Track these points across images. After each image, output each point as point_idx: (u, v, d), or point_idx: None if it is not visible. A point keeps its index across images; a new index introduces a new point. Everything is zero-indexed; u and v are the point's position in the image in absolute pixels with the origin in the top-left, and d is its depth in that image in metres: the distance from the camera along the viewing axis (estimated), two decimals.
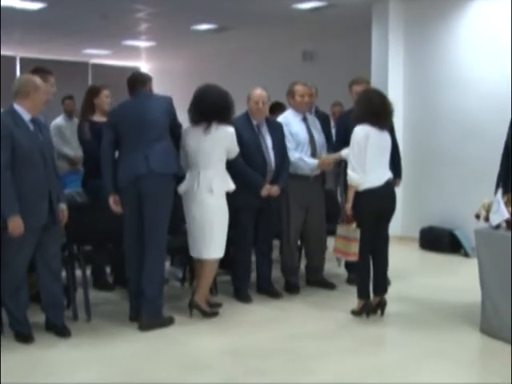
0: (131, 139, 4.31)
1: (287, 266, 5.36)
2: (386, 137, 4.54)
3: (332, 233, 5.62)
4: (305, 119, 5.30)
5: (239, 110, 5.03)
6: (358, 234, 4.42)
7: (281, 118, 5.31)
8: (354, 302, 4.77)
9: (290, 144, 5.14)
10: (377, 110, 4.43)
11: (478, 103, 6.90)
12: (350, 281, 5.55)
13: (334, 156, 5.06)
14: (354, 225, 4.45)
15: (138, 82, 4.47)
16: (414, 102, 7.49)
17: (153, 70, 12.27)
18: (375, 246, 4.57)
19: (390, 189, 4.56)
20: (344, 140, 5.26)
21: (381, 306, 4.60)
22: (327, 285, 5.43)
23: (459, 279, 5.86)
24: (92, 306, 4.58)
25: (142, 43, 11.26)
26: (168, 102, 4.44)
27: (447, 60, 7.21)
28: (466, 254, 6.81)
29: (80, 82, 11.93)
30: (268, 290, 5.17)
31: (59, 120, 6.95)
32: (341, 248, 4.57)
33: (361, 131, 4.45)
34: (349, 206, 4.47)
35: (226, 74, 10.12)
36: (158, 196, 4.27)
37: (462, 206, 7.00)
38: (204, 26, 9.56)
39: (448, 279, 5.87)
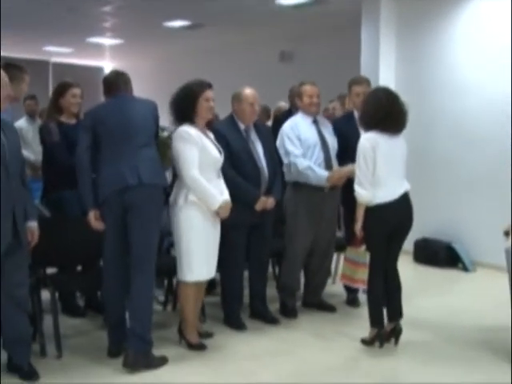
0: (114, 145, 3.68)
1: (286, 286, 4.77)
2: (398, 143, 3.98)
3: (336, 248, 5.14)
4: (315, 121, 4.73)
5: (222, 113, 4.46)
6: (367, 258, 3.88)
7: (289, 122, 4.74)
8: (360, 326, 4.28)
9: (297, 150, 4.55)
10: (387, 113, 3.87)
11: (474, 108, 6.47)
12: (350, 302, 5.03)
13: (348, 169, 4.43)
14: (363, 247, 3.91)
15: (119, 81, 3.86)
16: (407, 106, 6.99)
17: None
18: (388, 268, 4.04)
19: (406, 203, 4.00)
20: (342, 150, 4.76)
21: (396, 333, 4.08)
22: (327, 307, 4.87)
23: (465, 298, 5.38)
24: (62, 338, 3.92)
25: (108, 40, 10.57)
26: (154, 107, 3.87)
27: (442, 62, 6.76)
28: (465, 269, 6.35)
29: (40, 82, 11.19)
30: (263, 315, 4.58)
31: (21, 122, 6.32)
32: (348, 273, 4.06)
33: (367, 142, 3.88)
34: (358, 226, 3.92)
35: (198, 75, 9.43)
36: (148, 211, 3.65)
37: (459, 217, 6.58)
38: (177, 23, 8.97)
39: (452, 299, 5.38)
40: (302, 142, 4.60)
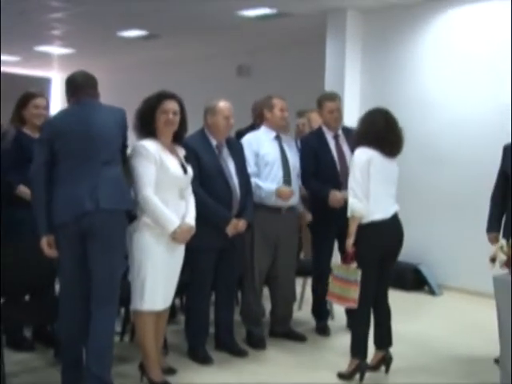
0: (73, 162, 3.28)
1: (250, 313, 4.45)
2: (392, 165, 3.81)
3: (305, 273, 4.87)
4: (278, 137, 4.47)
5: None
6: (358, 276, 3.63)
7: (249, 136, 4.47)
8: (334, 358, 4.05)
9: (249, 168, 4.28)
10: (382, 137, 3.70)
11: (441, 126, 6.32)
12: (320, 330, 4.75)
13: (291, 190, 4.32)
14: (354, 265, 3.67)
15: (87, 84, 3.43)
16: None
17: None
18: (378, 292, 3.79)
19: (398, 224, 3.83)
20: (313, 170, 4.52)
21: (386, 361, 3.84)
22: (296, 337, 4.57)
23: (436, 324, 5.15)
24: (7, 376, 3.49)
25: (57, 49, 10.07)
26: (122, 116, 3.45)
27: (409, 78, 6.60)
28: (432, 292, 6.16)
29: None
30: (230, 347, 4.23)
31: None
32: (337, 292, 3.75)
33: (363, 155, 3.69)
34: (350, 241, 3.68)
35: (153, 87, 9.13)
36: (109, 238, 3.27)
37: (426, 239, 6.39)
38: (132, 33, 8.56)
39: (424, 324, 5.14)
40: (260, 157, 4.33)
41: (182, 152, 3.71)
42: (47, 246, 3.31)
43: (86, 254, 3.27)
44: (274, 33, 8.03)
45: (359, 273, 3.64)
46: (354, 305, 3.69)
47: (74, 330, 3.34)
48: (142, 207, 3.48)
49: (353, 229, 3.67)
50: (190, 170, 3.68)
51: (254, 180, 4.28)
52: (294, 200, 4.41)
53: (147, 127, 3.57)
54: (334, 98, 4.75)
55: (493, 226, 4.19)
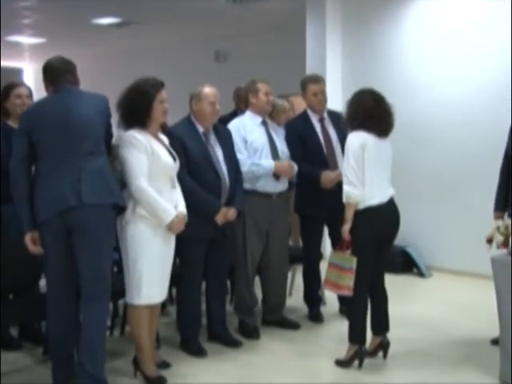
0: (55, 153, 3.13)
1: (243, 303, 4.36)
2: (385, 146, 3.72)
3: (294, 260, 4.78)
4: (264, 123, 4.37)
5: None
6: (354, 263, 3.56)
7: (236, 122, 4.35)
8: (329, 345, 4.01)
9: (240, 155, 4.18)
10: (371, 115, 3.61)
11: (425, 108, 6.26)
12: (313, 317, 4.68)
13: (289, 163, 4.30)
14: (348, 252, 3.60)
15: (63, 71, 3.26)
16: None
17: (40, 73, 10.82)
18: (375, 277, 3.74)
19: (394, 207, 3.75)
20: (302, 153, 4.44)
21: (383, 347, 3.80)
22: (290, 325, 4.49)
23: (427, 307, 5.10)
24: None
25: (28, 39, 9.81)
26: (105, 103, 3.30)
27: (391, 60, 6.52)
28: (421, 274, 6.14)
29: None
30: (223, 338, 4.14)
31: None
32: (332, 279, 3.68)
33: (356, 140, 3.60)
34: (347, 228, 3.60)
35: (129, 76, 8.89)
36: (96, 233, 3.13)
37: (413, 221, 6.31)
38: (105, 20, 8.37)
39: (417, 307, 5.09)
40: (249, 144, 4.23)
41: (166, 140, 3.61)
42: (31, 242, 3.17)
43: (72, 251, 3.14)
44: (252, 17, 7.91)
45: (354, 260, 3.57)
46: (348, 292, 3.62)
47: (63, 328, 3.21)
48: (136, 199, 3.36)
49: (349, 215, 3.59)
50: (177, 157, 3.58)
51: (249, 161, 4.17)
52: (284, 185, 4.34)
53: (140, 117, 3.43)
54: (319, 80, 4.67)
55: (498, 205, 4.13)
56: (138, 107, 3.41)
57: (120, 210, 3.32)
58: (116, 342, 4.17)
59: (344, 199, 3.60)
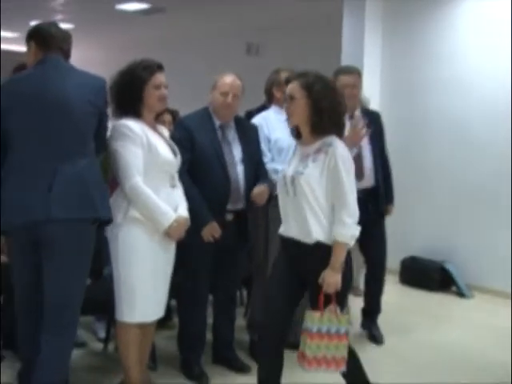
0: (28, 145, 2.61)
1: (257, 320, 3.84)
2: None
3: None
4: None
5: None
6: (348, 322, 2.76)
7: (258, 118, 3.84)
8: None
9: (264, 157, 3.67)
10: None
11: (475, 109, 5.60)
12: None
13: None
14: (338, 309, 2.70)
15: (58, 37, 2.72)
16: (396, 107, 6.11)
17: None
18: None
19: None
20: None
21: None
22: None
23: (470, 332, 4.51)
24: None
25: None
26: (101, 86, 2.77)
27: (440, 56, 5.84)
28: (461, 294, 5.51)
29: None
30: (229, 362, 3.63)
31: None
32: (320, 354, 2.70)
33: (346, 152, 2.75)
34: (338, 278, 2.68)
35: None
36: (66, 252, 2.62)
37: (453, 233, 5.75)
38: (132, 6, 7.95)
39: (455, 332, 4.50)
40: (273, 143, 3.72)
41: (165, 132, 3.13)
42: None
43: (41, 265, 2.64)
44: (284, 11, 7.41)
45: (347, 318, 2.74)
46: (342, 366, 2.73)
47: (32, 340, 2.71)
48: (129, 199, 2.88)
49: (340, 257, 2.67)
50: (178, 152, 3.09)
51: (272, 164, 3.67)
52: None
53: (132, 104, 2.95)
54: (352, 71, 4.17)
55: None
56: (128, 94, 2.92)
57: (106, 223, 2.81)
58: (110, 359, 3.69)
59: (349, 240, 2.68)
